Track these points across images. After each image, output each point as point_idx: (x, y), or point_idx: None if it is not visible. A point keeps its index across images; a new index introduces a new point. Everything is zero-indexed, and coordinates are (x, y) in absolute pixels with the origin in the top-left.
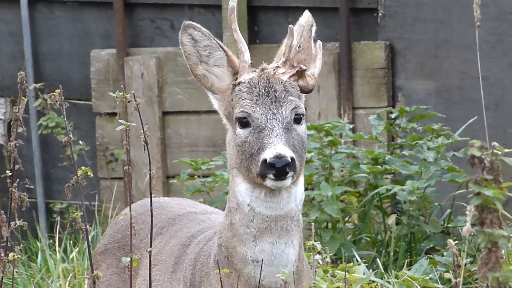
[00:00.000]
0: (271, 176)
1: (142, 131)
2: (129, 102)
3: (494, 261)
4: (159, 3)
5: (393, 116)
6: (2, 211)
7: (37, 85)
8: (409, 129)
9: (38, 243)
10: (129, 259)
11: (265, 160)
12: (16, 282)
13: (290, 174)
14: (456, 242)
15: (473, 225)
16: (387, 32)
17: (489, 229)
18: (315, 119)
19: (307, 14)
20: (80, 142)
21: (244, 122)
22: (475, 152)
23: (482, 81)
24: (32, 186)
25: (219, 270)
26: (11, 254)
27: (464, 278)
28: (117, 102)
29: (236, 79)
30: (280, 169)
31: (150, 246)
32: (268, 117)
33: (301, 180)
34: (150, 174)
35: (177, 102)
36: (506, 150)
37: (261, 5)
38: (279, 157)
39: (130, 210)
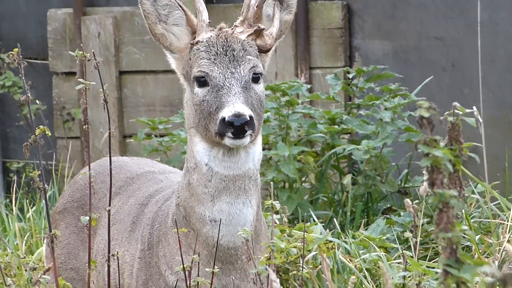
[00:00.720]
0: (229, 134)
1: (100, 90)
2: (88, 61)
3: (445, 222)
4: None
5: (350, 76)
6: None
7: None
8: (366, 89)
9: None
10: (88, 218)
11: (223, 119)
12: None
13: (249, 132)
14: (415, 202)
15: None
16: None
17: (439, 190)
18: (272, 79)
19: None
20: (37, 101)
21: (202, 81)
22: (423, 113)
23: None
24: None
25: (177, 229)
26: None
27: (421, 238)
28: (77, 61)
29: (194, 38)
30: (238, 127)
31: (109, 205)
32: (226, 76)
33: (259, 140)
34: (109, 133)
35: (133, 61)
36: (467, 110)
37: None
38: (237, 115)
39: (89, 169)
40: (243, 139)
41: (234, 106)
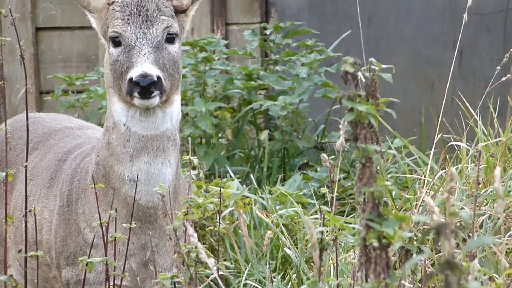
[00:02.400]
0: (136, 94)
1: (16, 46)
2: (5, 17)
3: (368, 176)
4: None
5: (267, 32)
6: None
7: None
8: (283, 45)
9: None
10: (4, 173)
11: (131, 79)
12: None
13: (156, 93)
14: (331, 157)
15: (347, 140)
16: None
17: (363, 145)
18: (188, 35)
19: None
20: None
21: (116, 41)
22: (348, 68)
23: None
24: None
25: (94, 185)
26: None
27: (338, 194)
28: None
29: None
30: (144, 87)
31: (26, 161)
32: (138, 36)
33: (177, 100)
34: (26, 89)
35: (50, 17)
36: (384, 66)
37: None
38: (144, 75)
39: (6, 125)
40: (150, 99)
41: (142, 66)
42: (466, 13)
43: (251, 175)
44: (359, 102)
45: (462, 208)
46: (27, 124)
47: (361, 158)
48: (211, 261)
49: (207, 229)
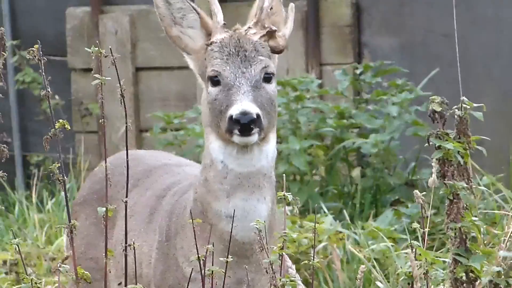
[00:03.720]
0: (236, 132)
1: (117, 85)
2: (105, 57)
3: (456, 212)
4: None
5: (358, 71)
6: None
7: (15, 42)
8: (374, 84)
9: (15, 194)
10: (104, 209)
11: (231, 116)
12: None
13: (256, 130)
14: (423, 193)
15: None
16: None
17: (450, 181)
18: (283, 75)
19: None
20: (56, 96)
21: (215, 81)
22: (435, 107)
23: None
24: (9, 139)
25: (192, 220)
26: None
27: (429, 229)
28: (93, 58)
29: (209, 39)
30: (245, 125)
31: (126, 197)
32: (237, 75)
33: (273, 138)
34: (126, 127)
35: (149, 58)
36: (475, 105)
37: None
38: (244, 113)
39: (106, 162)
40: (250, 137)
41: (242, 104)
42: None
43: (344, 211)
44: (446, 140)
45: None
46: (127, 161)
47: (449, 195)
48: None
49: (302, 263)
